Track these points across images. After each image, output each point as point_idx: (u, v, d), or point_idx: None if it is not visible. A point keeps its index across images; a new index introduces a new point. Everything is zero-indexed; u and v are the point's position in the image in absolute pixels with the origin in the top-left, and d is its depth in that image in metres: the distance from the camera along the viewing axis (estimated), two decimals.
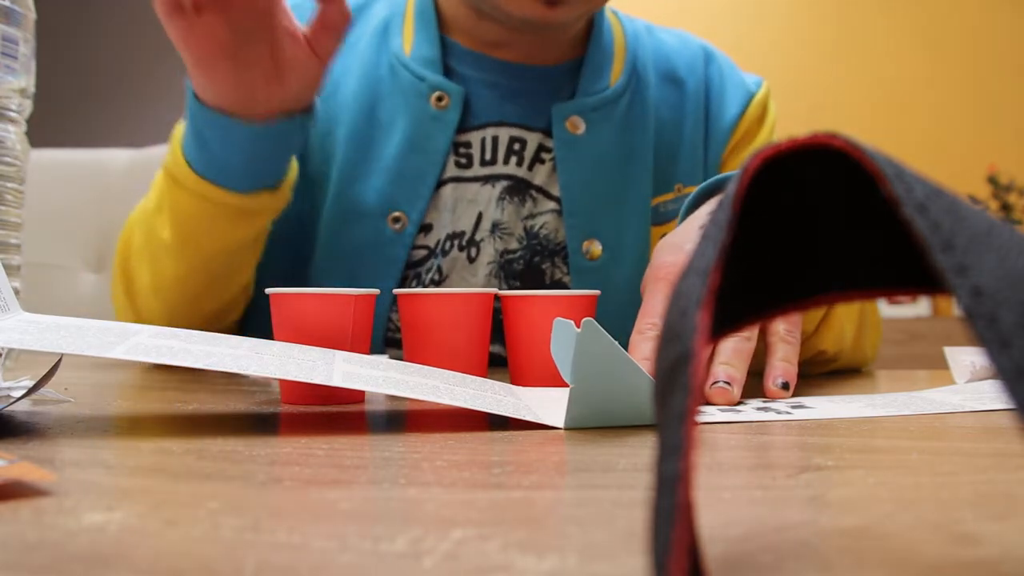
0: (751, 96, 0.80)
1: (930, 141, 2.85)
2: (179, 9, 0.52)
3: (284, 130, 0.60)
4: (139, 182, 1.21)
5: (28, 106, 0.57)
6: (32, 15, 0.56)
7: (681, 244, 0.48)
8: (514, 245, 0.74)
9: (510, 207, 0.74)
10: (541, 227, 0.74)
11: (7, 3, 0.53)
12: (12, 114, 0.55)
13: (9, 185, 0.55)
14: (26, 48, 0.55)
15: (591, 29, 0.78)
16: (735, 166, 0.80)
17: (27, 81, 0.56)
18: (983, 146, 2.81)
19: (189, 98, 0.59)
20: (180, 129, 0.65)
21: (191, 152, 0.61)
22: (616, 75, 0.77)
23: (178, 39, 0.54)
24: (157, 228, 0.65)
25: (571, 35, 0.77)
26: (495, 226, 0.74)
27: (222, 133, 0.58)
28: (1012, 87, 2.84)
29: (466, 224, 0.74)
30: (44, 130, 1.44)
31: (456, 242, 0.73)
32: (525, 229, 0.74)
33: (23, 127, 0.57)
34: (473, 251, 0.74)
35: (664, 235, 0.60)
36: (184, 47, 0.54)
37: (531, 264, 0.75)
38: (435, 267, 0.73)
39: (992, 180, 2.61)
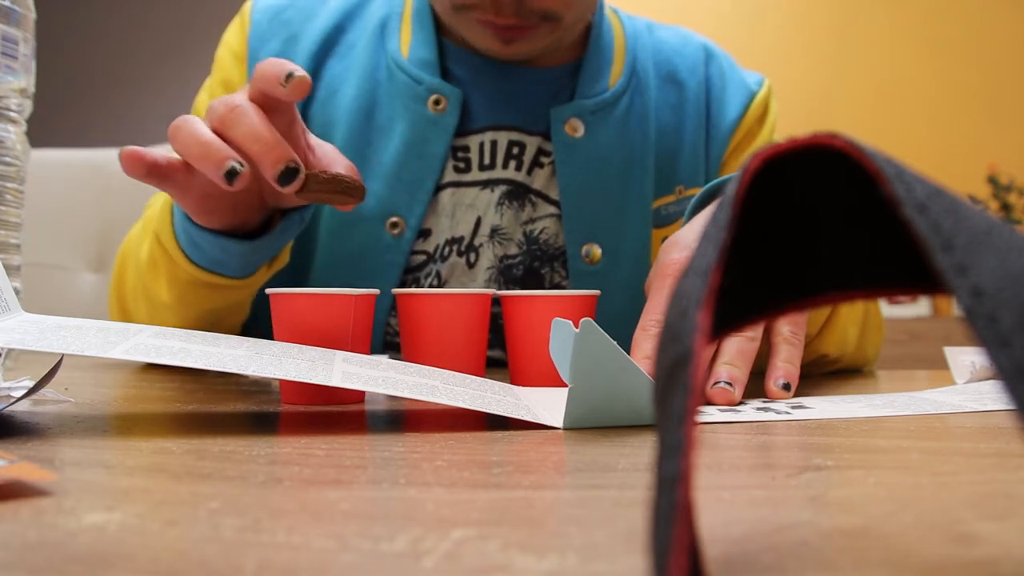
0: (752, 96, 0.80)
1: (930, 141, 2.85)
2: (165, 172, 0.50)
3: (283, 228, 0.57)
4: (139, 182, 1.21)
5: (28, 106, 0.58)
6: (32, 15, 0.56)
7: (687, 242, 0.48)
8: (513, 250, 0.74)
9: (509, 212, 0.74)
10: (540, 232, 0.74)
11: (7, 3, 0.53)
12: (12, 114, 0.55)
13: (9, 185, 0.55)
14: (26, 48, 0.56)
15: (590, 30, 0.77)
16: (736, 167, 0.79)
17: (27, 81, 0.56)
18: (983, 146, 2.81)
19: (180, 215, 0.55)
20: (162, 203, 0.60)
21: (187, 247, 0.57)
22: (616, 76, 0.76)
23: (174, 195, 0.51)
24: (153, 286, 0.63)
25: (570, 38, 0.76)
26: (494, 231, 0.74)
27: (219, 247, 0.55)
28: (1012, 87, 2.84)
29: (465, 229, 0.73)
30: (44, 130, 1.44)
31: (455, 247, 0.73)
32: (524, 234, 0.74)
33: (23, 127, 0.57)
34: (472, 256, 0.73)
35: (665, 238, 0.60)
36: (181, 202, 0.52)
37: (530, 269, 0.74)
38: (434, 272, 0.73)
39: (992, 180, 2.61)
